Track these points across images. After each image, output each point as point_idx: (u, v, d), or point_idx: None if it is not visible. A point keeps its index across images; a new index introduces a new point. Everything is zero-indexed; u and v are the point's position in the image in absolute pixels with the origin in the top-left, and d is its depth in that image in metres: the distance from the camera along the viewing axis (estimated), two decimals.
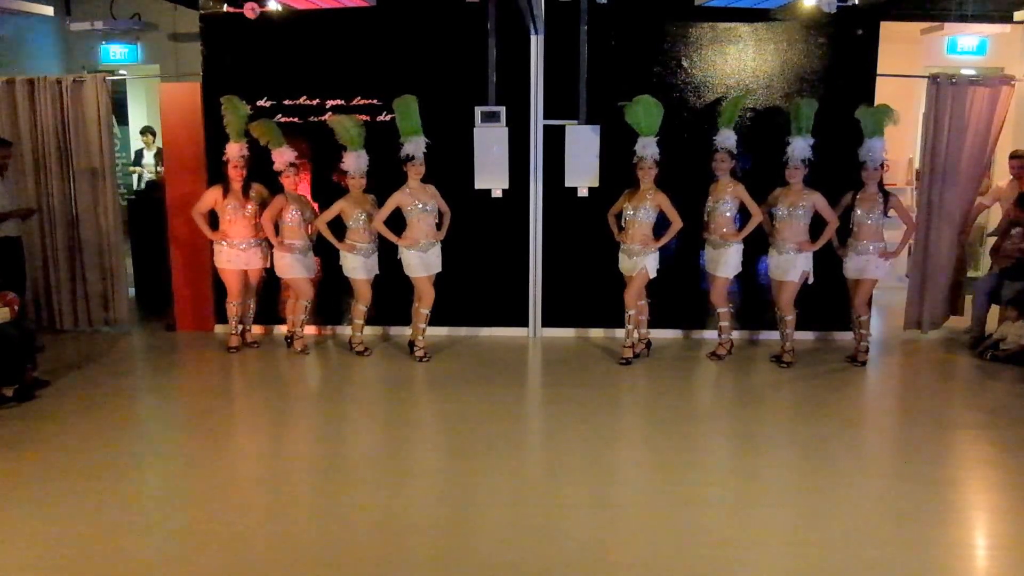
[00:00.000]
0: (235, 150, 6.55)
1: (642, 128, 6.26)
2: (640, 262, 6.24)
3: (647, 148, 6.20)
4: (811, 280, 6.45)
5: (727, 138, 6.43)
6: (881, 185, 6.41)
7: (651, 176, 6.20)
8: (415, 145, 6.23)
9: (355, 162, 6.40)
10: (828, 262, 6.65)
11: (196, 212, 6.62)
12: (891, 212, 6.43)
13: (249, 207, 6.63)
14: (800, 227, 6.33)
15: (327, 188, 7.02)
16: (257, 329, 7.26)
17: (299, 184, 6.66)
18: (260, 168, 6.65)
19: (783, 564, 3.70)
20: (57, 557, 3.71)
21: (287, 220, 6.51)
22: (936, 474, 4.64)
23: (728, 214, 6.39)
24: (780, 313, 6.52)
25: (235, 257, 6.65)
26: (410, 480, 4.54)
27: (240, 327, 6.88)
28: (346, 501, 4.28)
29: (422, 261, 6.36)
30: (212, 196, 6.63)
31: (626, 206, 6.29)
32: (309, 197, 6.93)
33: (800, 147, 6.28)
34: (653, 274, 6.32)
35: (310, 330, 7.19)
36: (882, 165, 6.37)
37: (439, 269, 6.50)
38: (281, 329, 7.21)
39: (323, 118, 6.91)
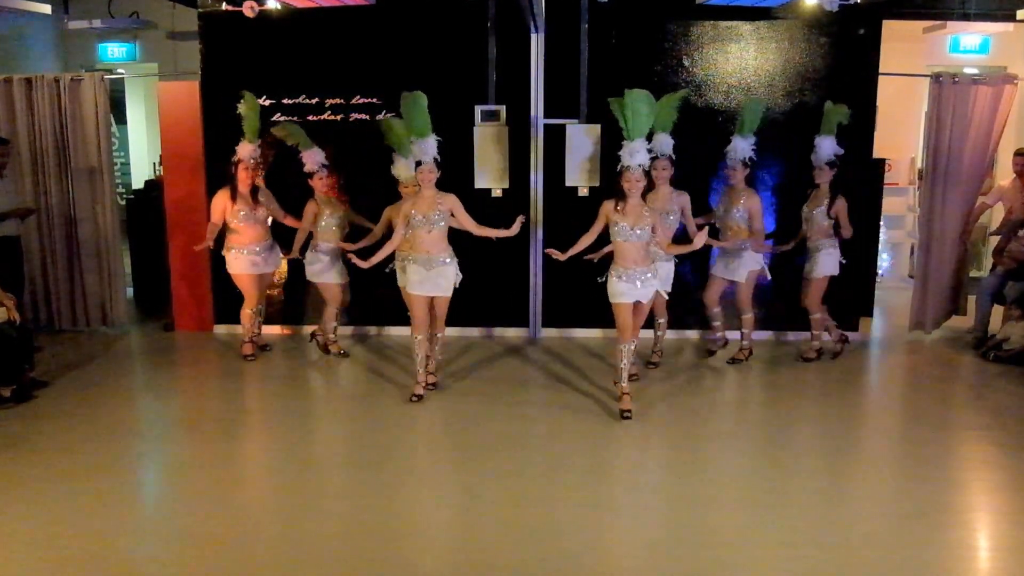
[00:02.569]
0: (248, 150, 6.30)
1: (628, 130, 5.19)
2: (653, 285, 5.32)
3: (634, 156, 5.14)
4: (768, 278, 6.38)
5: (664, 143, 5.91)
6: (833, 185, 6.33)
7: (639, 188, 5.15)
8: (422, 148, 5.40)
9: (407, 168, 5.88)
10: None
11: (214, 224, 6.33)
12: (834, 212, 6.33)
13: (260, 210, 6.41)
14: (742, 228, 6.17)
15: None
16: (267, 330, 7.11)
17: (333, 185, 6.30)
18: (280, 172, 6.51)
19: (785, 564, 3.68)
20: (55, 558, 3.69)
21: (320, 224, 6.27)
22: (939, 475, 4.62)
23: (671, 226, 5.99)
24: (737, 311, 6.48)
25: (256, 262, 6.40)
26: (410, 481, 4.51)
27: (253, 335, 6.65)
28: (346, 502, 4.26)
29: (422, 278, 5.49)
30: (222, 202, 6.32)
31: (617, 223, 5.22)
32: (337, 196, 6.65)
33: (740, 147, 6.15)
34: (666, 294, 5.72)
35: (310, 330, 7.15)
36: (831, 164, 6.27)
37: (444, 293, 5.56)
38: (294, 330, 7.18)
39: (381, 116, 6.71)
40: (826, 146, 6.24)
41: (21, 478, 4.48)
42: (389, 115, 6.42)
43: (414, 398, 5.61)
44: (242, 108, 6.36)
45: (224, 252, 6.47)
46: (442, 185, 6.34)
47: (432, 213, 5.38)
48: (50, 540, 3.84)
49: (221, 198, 6.35)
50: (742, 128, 6.16)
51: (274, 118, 6.97)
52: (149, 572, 3.62)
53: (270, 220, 6.58)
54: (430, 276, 5.46)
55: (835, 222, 6.33)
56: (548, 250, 5.46)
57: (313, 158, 6.25)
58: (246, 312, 6.54)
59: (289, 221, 6.50)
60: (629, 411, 5.35)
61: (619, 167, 5.18)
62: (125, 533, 3.94)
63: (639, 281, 5.24)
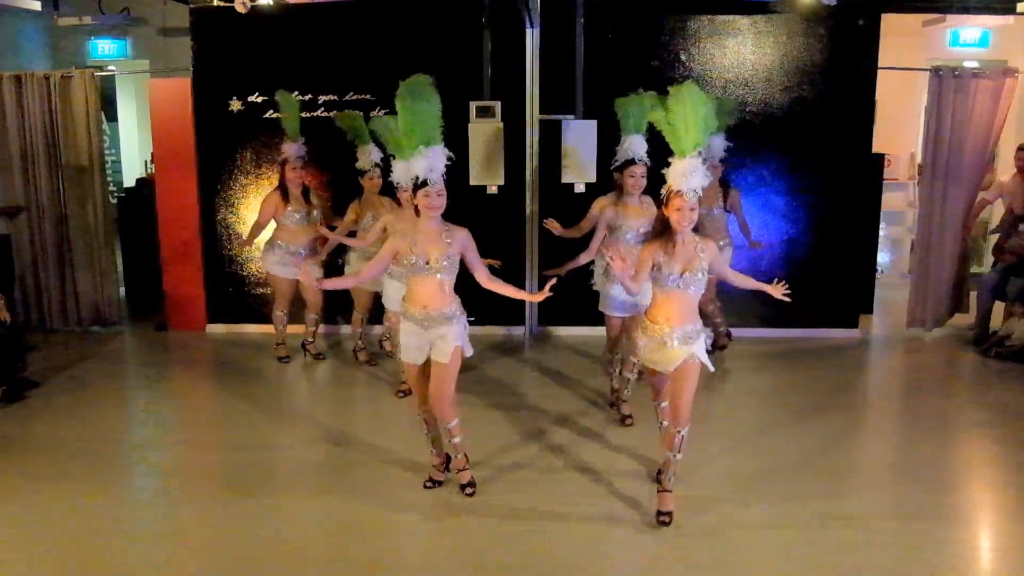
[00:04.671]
0: (292, 149, 6.05)
1: (680, 143, 3.70)
2: (687, 349, 3.83)
3: (691, 177, 3.68)
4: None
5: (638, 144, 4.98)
6: (723, 180, 6.16)
7: (694, 221, 3.74)
8: (430, 160, 3.89)
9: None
10: (822, 260, 6.56)
11: (259, 224, 6.17)
12: (730, 205, 6.16)
13: (314, 213, 6.20)
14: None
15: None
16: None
17: (379, 186, 5.90)
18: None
19: (785, 565, 3.65)
20: (45, 559, 3.67)
21: (361, 225, 5.90)
22: (940, 473, 4.59)
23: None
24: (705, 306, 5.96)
25: (294, 264, 6.07)
26: (406, 481, 4.45)
27: (286, 336, 6.47)
28: (341, 502, 4.20)
29: (419, 342, 4.05)
30: (273, 204, 6.11)
31: (661, 268, 3.79)
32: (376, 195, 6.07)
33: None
34: (711, 367, 3.99)
35: (321, 329, 7.03)
36: (722, 161, 6.05)
37: (440, 358, 4.01)
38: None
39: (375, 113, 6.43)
40: (717, 144, 5.87)
41: (12, 479, 4.44)
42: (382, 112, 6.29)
43: (429, 483, 4.30)
44: (281, 108, 6.13)
45: (264, 247, 6.28)
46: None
47: (441, 258, 3.92)
48: (42, 542, 3.81)
49: (272, 199, 6.14)
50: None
51: (266, 115, 6.91)
52: (141, 574, 3.59)
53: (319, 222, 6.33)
54: (428, 338, 4.01)
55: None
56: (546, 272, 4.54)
57: (368, 156, 5.88)
58: (276, 314, 6.36)
59: (338, 221, 6.23)
60: (668, 514, 3.97)
61: (662, 194, 3.78)
62: (117, 535, 3.90)
63: (665, 341, 3.82)
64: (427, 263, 3.90)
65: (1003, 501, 4.36)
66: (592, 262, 5.35)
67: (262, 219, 6.21)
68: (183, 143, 7.08)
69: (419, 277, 3.94)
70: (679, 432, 3.90)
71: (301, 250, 6.16)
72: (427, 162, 3.84)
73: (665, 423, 4.12)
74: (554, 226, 5.47)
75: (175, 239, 7.20)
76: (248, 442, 5.10)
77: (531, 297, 4.10)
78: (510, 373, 6.29)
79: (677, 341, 3.80)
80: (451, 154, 3.99)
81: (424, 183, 3.84)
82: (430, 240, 3.91)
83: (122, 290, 8.01)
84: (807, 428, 5.24)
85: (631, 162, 4.88)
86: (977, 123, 6.81)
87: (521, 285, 7.15)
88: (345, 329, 7.03)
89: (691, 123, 3.59)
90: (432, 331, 3.98)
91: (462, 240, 3.99)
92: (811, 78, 6.83)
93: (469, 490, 4.21)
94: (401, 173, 4.20)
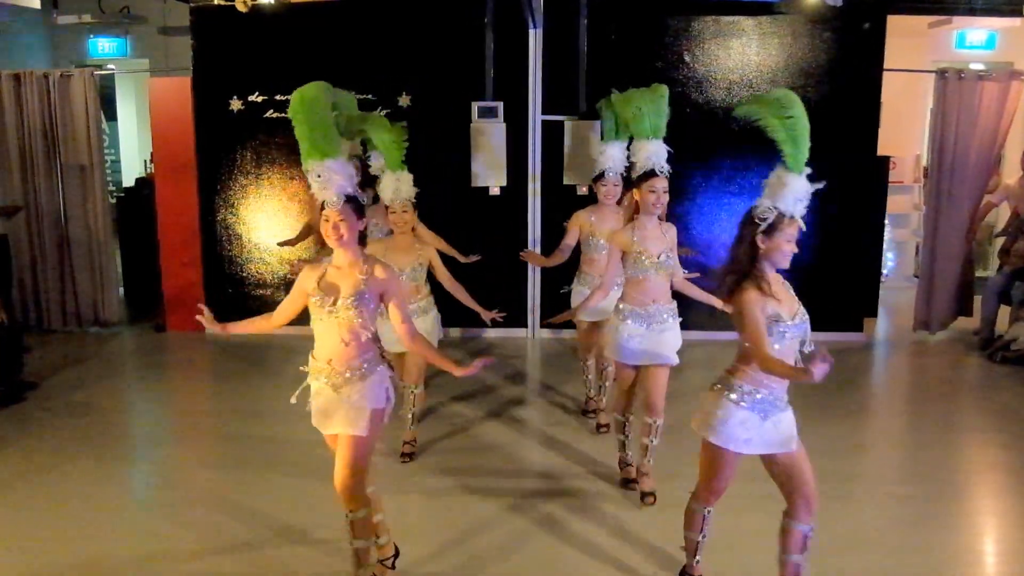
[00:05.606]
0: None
1: (801, 157, 2.95)
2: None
3: (801, 200, 3.03)
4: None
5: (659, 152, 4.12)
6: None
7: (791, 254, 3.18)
8: (322, 178, 3.03)
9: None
10: (826, 262, 6.51)
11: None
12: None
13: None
14: None
15: None
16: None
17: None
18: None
19: None
20: (41, 561, 3.65)
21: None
22: (944, 478, 4.56)
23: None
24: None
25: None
26: (405, 483, 4.41)
27: None
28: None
29: (321, 403, 3.19)
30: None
31: (779, 313, 3.18)
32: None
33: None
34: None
35: None
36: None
37: (349, 429, 3.15)
38: None
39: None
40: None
41: (9, 481, 4.43)
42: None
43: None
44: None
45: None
46: (439, 183, 6.17)
47: (351, 297, 3.03)
48: (38, 545, 3.80)
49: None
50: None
51: (266, 115, 6.87)
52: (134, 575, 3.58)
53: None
54: (339, 402, 3.11)
55: None
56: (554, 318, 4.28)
57: (380, 162, 5.50)
58: None
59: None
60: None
61: (755, 230, 3.04)
62: (114, 538, 3.88)
63: (776, 422, 3.28)
64: (333, 302, 3.03)
65: (1006, 506, 4.34)
66: (569, 288, 4.99)
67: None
68: (183, 143, 7.05)
69: (325, 322, 3.06)
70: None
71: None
72: (320, 180, 3.02)
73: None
74: (533, 258, 5.30)
75: (174, 239, 7.16)
76: (245, 443, 5.07)
77: (458, 372, 3.25)
78: (508, 391, 6.16)
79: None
80: (357, 170, 3.21)
81: (323, 205, 3.02)
82: (341, 274, 3.07)
83: (121, 290, 7.98)
84: (810, 431, 5.14)
85: (651, 174, 3.97)
86: (983, 126, 6.77)
87: (523, 287, 7.11)
88: None
89: (805, 135, 2.89)
90: (341, 391, 3.09)
91: (382, 280, 3.07)
92: (816, 80, 6.78)
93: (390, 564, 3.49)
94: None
